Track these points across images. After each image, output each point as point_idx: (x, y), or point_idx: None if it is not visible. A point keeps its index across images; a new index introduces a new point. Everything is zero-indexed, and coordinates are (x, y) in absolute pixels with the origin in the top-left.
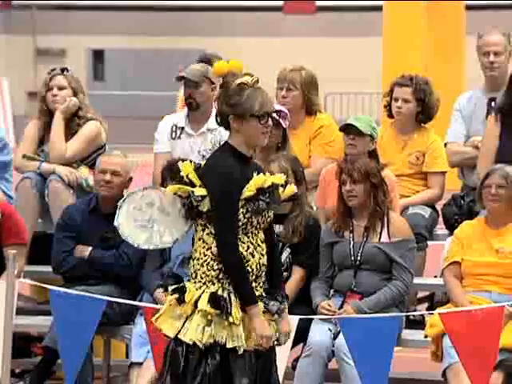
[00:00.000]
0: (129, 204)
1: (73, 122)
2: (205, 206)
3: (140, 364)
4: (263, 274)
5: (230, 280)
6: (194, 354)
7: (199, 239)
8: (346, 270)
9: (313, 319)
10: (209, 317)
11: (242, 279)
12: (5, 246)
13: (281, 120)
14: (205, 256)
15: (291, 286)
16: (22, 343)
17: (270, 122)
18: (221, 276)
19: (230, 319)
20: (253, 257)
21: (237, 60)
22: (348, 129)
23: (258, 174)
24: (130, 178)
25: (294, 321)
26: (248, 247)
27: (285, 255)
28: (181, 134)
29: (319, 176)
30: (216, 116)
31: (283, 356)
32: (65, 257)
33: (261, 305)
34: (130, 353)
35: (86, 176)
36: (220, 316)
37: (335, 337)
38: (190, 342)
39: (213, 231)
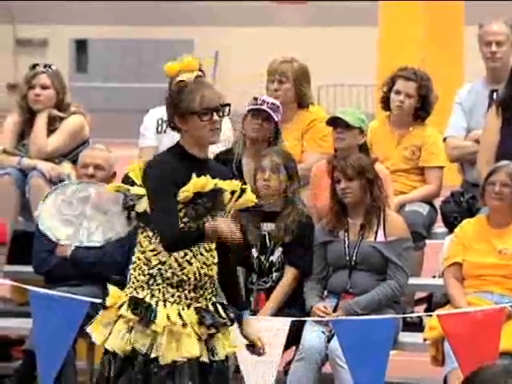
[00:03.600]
0: (57, 195)
1: (54, 121)
2: (141, 207)
3: None
4: (208, 285)
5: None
6: (117, 363)
7: (138, 242)
8: (341, 270)
9: (306, 322)
10: (130, 323)
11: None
12: None
13: (273, 113)
14: (138, 260)
15: (283, 287)
16: (0, 347)
17: (216, 117)
18: (151, 282)
19: (153, 327)
20: (190, 264)
21: (191, 58)
22: (335, 122)
23: (213, 177)
24: (114, 173)
25: (286, 323)
26: (185, 254)
27: (277, 255)
28: (167, 127)
29: None
30: (167, 121)
31: (275, 360)
32: (46, 256)
33: (195, 317)
34: None
35: (68, 172)
36: (141, 323)
37: (329, 340)
38: (111, 350)
39: (150, 234)
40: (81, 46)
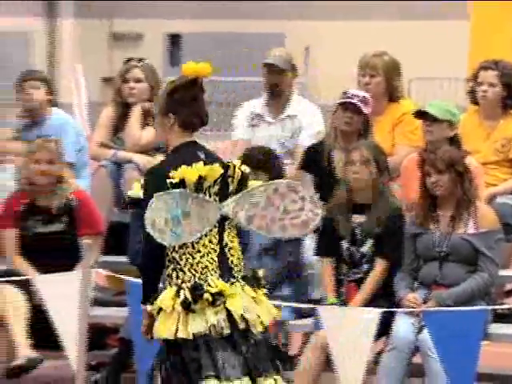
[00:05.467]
0: None
1: (149, 115)
2: None
3: None
4: None
5: None
6: None
7: None
8: (431, 261)
9: (395, 313)
10: None
11: None
12: (81, 236)
13: (362, 106)
14: None
15: (374, 278)
16: (97, 335)
17: None
18: None
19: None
20: None
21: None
22: (423, 115)
23: None
24: None
25: (376, 314)
26: None
27: (367, 246)
28: (259, 121)
29: None
30: None
31: (365, 350)
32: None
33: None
34: None
35: None
36: None
37: (419, 331)
38: None
39: None
40: (174, 40)
